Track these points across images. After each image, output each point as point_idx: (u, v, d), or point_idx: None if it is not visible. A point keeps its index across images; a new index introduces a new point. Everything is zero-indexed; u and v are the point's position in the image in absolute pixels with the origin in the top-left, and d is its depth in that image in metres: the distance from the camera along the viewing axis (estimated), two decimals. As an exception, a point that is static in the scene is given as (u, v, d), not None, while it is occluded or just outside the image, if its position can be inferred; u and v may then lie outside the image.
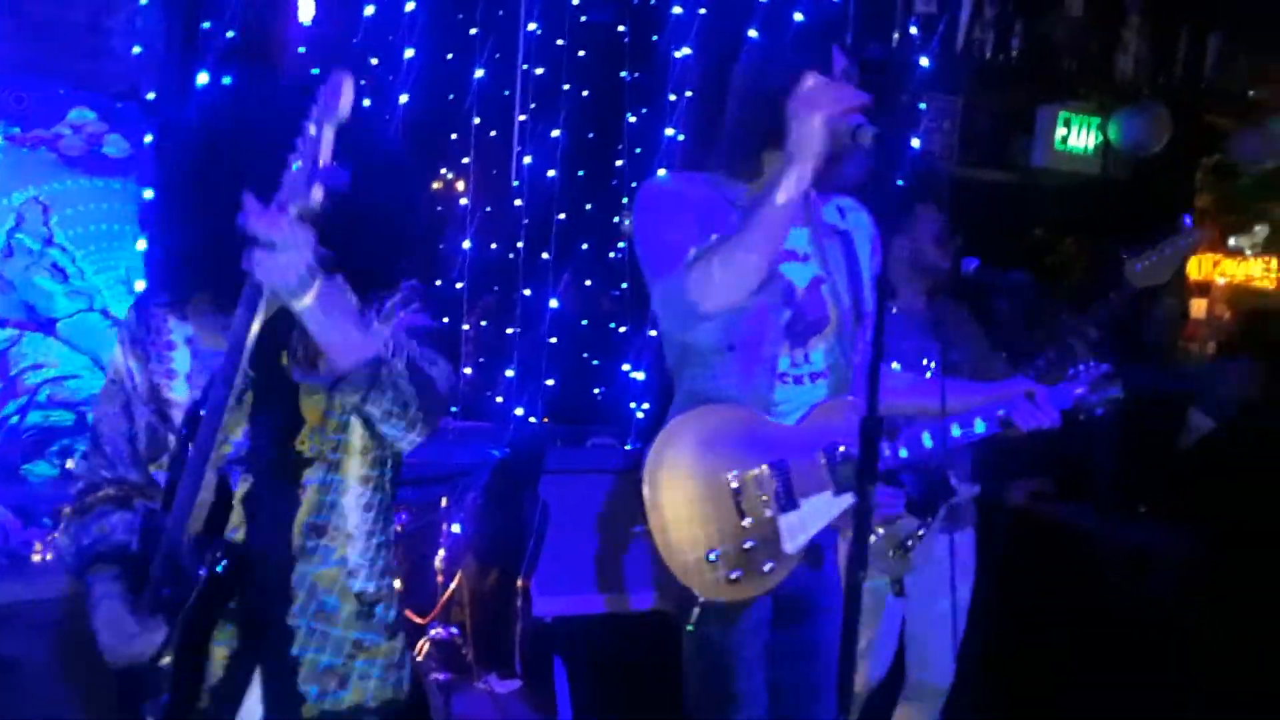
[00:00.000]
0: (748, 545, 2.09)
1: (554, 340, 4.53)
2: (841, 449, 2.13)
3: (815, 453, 2.14)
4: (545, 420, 4.42)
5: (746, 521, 2.09)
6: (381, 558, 1.90)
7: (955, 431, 2.28)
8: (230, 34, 3.91)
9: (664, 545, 2.06)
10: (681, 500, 2.07)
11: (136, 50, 3.87)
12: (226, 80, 3.93)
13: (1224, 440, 3.70)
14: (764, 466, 2.11)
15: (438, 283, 4.63)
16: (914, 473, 2.85)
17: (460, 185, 4.76)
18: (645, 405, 4.34)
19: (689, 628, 2.11)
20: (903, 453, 2.23)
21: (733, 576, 2.07)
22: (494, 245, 4.70)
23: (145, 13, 3.90)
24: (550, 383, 4.55)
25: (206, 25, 3.82)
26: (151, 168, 1.69)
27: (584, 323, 4.99)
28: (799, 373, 2.19)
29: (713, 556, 2.07)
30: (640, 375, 4.37)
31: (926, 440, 2.24)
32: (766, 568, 2.09)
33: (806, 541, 2.13)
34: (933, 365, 3.12)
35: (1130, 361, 2.71)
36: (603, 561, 4.11)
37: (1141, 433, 3.55)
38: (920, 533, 2.93)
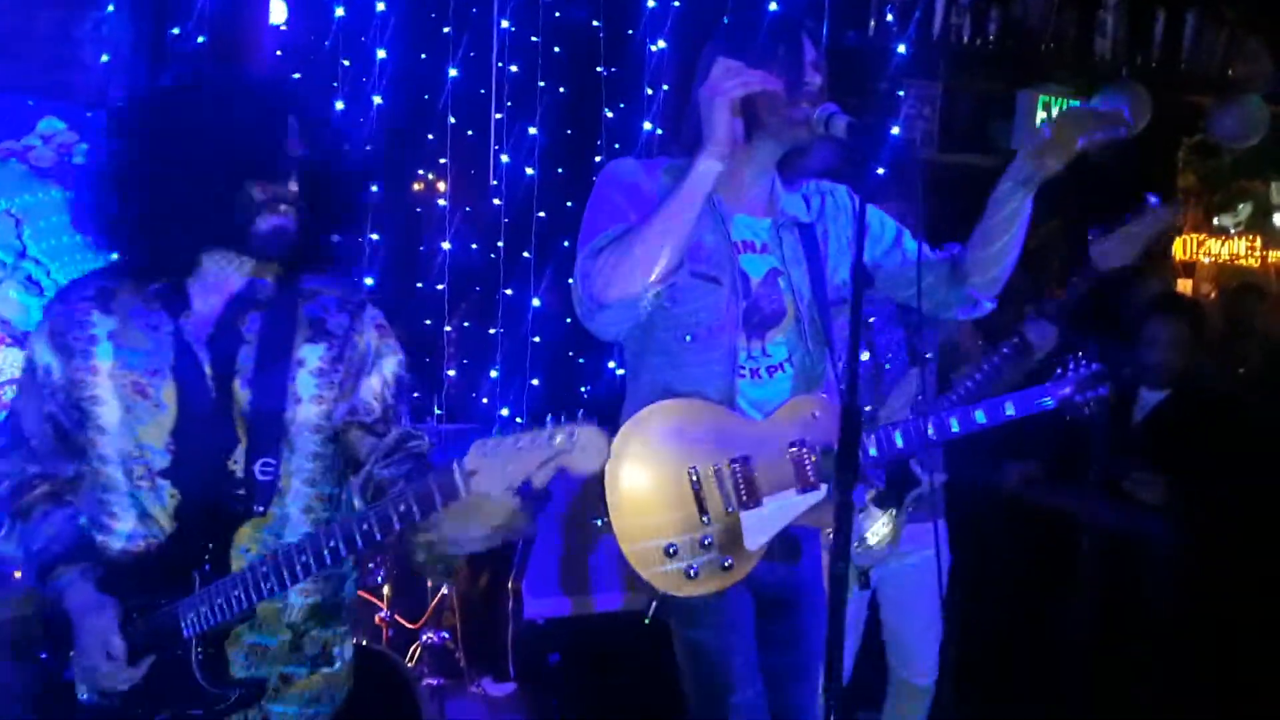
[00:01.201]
0: (707, 541, 2.06)
1: (537, 339, 4.50)
2: (806, 450, 2.10)
3: (781, 450, 2.12)
4: (520, 421, 4.38)
5: (707, 517, 2.07)
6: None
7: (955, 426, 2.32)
8: (200, 39, 3.87)
9: (624, 539, 2.04)
10: (642, 494, 2.05)
11: (105, 59, 3.83)
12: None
13: (1172, 410, 3.69)
14: (727, 462, 2.09)
15: (418, 285, 4.61)
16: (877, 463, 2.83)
17: (439, 185, 4.73)
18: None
19: (645, 621, 2.09)
20: (872, 451, 2.23)
21: (691, 572, 2.05)
22: (474, 245, 4.66)
23: (112, 20, 3.86)
24: (535, 382, 4.51)
25: (175, 31, 3.78)
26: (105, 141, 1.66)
27: (567, 320, 4.96)
28: (757, 365, 2.17)
29: (671, 550, 2.04)
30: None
31: (898, 439, 2.26)
32: (726, 563, 2.07)
33: (768, 539, 2.11)
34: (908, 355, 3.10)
35: (1112, 341, 2.70)
36: (594, 561, 4.09)
37: (1110, 413, 3.55)
38: (885, 525, 2.91)
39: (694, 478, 2.06)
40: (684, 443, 2.07)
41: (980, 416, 2.30)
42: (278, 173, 1.72)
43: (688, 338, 2.11)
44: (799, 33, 2.12)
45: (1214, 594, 3.63)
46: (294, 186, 1.74)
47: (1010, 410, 2.33)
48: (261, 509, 1.75)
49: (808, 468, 2.09)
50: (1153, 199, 2.49)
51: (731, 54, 2.06)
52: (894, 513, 2.91)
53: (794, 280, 2.20)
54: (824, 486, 2.12)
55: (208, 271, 1.79)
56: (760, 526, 2.09)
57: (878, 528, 2.91)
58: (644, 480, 2.05)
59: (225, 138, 1.68)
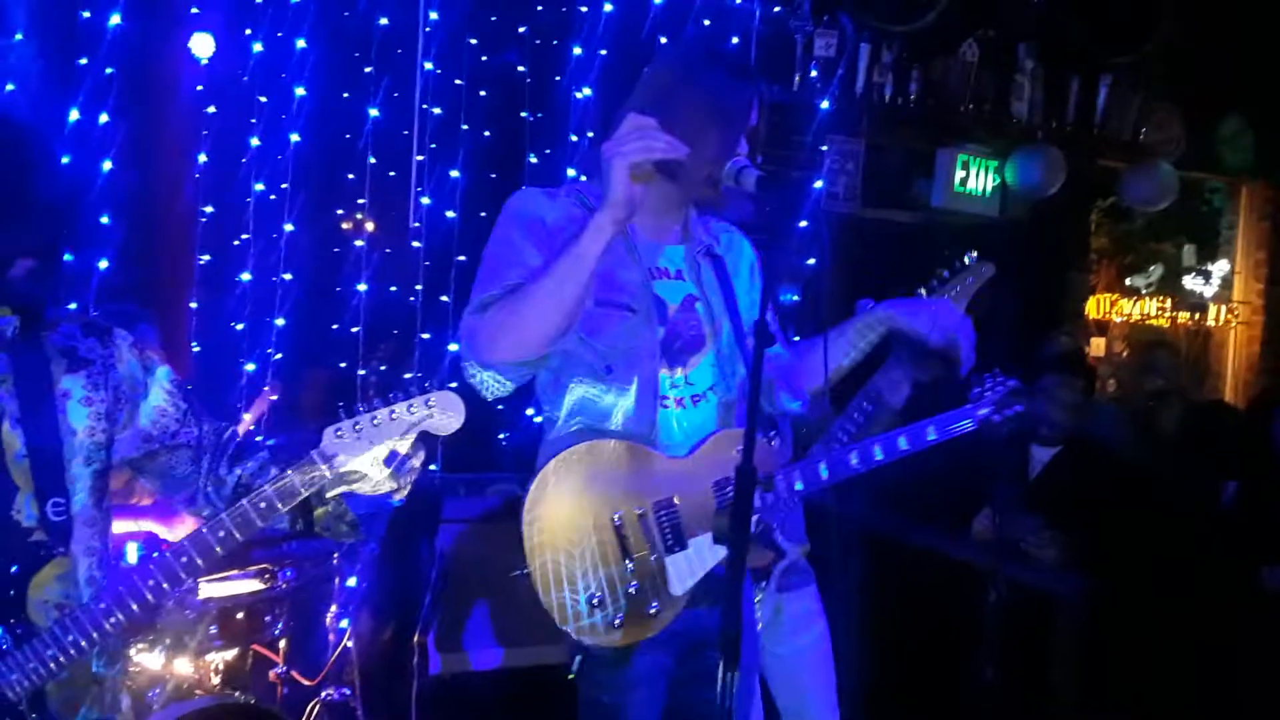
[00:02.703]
0: (632, 588, 1.99)
1: (454, 385, 4.41)
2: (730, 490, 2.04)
3: (704, 490, 2.06)
4: (434, 468, 4.29)
5: (630, 563, 1.99)
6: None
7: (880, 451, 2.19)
8: (108, 70, 3.78)
9: (545, 589, 1.96)
10: (564, 542, 1.97)
11: (10, 88, 3.73)
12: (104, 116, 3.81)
13: (1064, 468, 3.75)
14: (651, 505, 2.02)
15: (334, 326, 4.51)
16: None
17: (357, 226, 4.66)
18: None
19: (569, 676, 2.02)
20: (798, 486, 2.16)
21: (616, 621, 1.97)
22: (393, 288, 4.59)
23: (19, 49, 3.75)
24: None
25: (83, 61, 3.68)
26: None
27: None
28: (680, 394, 2.10)
29: (595, 600, 1.97)
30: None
31: (823, 471, 2.16)
32: (651, 610, 2.00)
33: (695, 583, 2.04)
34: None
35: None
36: (503, 614, 3.99)
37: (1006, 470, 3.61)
38: (756, 599, 2.85)
39: (618, 523, 1.99)
40: (607, 487, 2.00)
41: (903, 442, 2.19)
42: (28, 221, 1.68)
43: (607, 368, 2.03)
44: (752, 96, 2.06)
45: (1115, 648, 3.67)
46: (40, 230, 1.70)
47: (932, 435, 2.23)
48: (63, 550, 1.69)
49: None
50: (972, 254, 2.54)
51: (676, 93, 1.99)
52: (764, 586, 2.84)
53: (713, 307, 2.16)
54: (750, 525, 2.03)
55: None
56: (687, 569, 2.04)
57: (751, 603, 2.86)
58: (566, 528, 1.97)
59: None
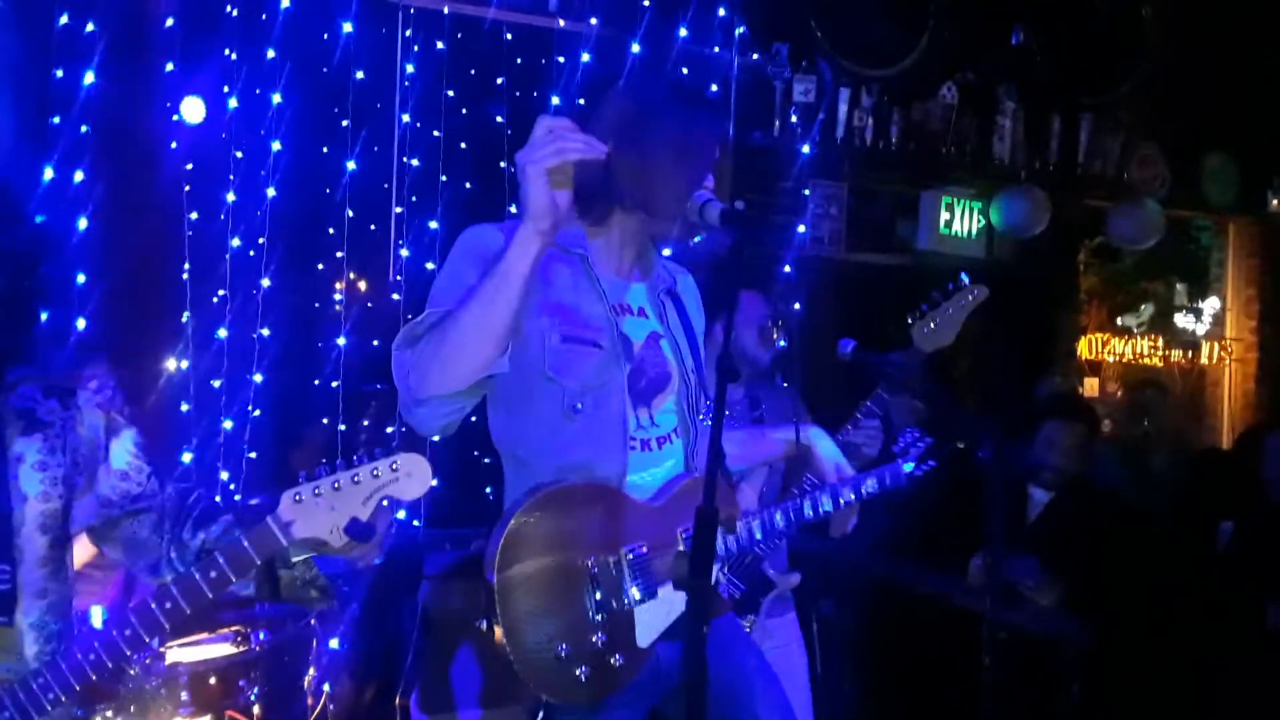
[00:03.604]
0: (599, 640, 1.91)
1: (437, 439, 4.34)
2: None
3: (673, 536, 1.99)
4: (417, 524, 4.21)
5: (600, 614, 1.92)
6: None
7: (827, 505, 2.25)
8: (84, 128, 3.77)
9: (511, 643, 1.86)
10: (533, 592, 1.88)
11: (-17, 146, 3.71)
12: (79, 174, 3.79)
13: (1061, 512, 3.70)
14: (623, 552, 1.94)
15: (315, 381, 4.46)
16: (733, 569, 2.77)
17: (350, 286, 4.63)
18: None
19: None
20: (757, 534, 2.16)
21: (582, 675, 1.89)
22: (375, 342, 4.54)
23: (-7, 106, 3.75)
24: (434, 483, 4.34)
25: (56, 120, 3.67)
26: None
27: (472, 419, 4.82)
28: (647, 436, 2.04)
29: (562, 653, 1.88)
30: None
31: (779, 519, 2.20)
32: (616, 662, 1.92)
33: (660, 633, 1.97)
34: None
35: (991, 440, 2.69)
36: (488, 672, 3.88)
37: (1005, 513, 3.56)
38: (747, 628, 2.82)
39: (592, 571, 1.91)
40: (578, 533, 1.92)
41: (848, 494, 2.26)
42: None
43: (577, 406, 1.95)
44: (716, 131, 2.08)
45: (1115, 693, 3.58)
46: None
47: (870, 487, 2.30)
48: (5, 620, 1.62)
49: None
50: (964, 276, 2.55)
51: (643, 126, 1.96)
52: (753, 619, 2.84)
53: (678, 345, 2.11)
54: (714, 571, 1.96)
55: None
56: (653, 620, 1.97)
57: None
58: (536, 577, 1.89)
59: None
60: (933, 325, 2.59)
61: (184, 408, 4.03)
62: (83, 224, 3.79)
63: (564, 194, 1.78)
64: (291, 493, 1.61)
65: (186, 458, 3.89)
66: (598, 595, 1.92)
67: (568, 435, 1.96)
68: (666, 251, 2.37)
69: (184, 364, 4.01)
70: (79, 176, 3.78)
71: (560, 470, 1.95)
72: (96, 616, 2.78)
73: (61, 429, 1.70)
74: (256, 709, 3.26)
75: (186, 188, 4.07)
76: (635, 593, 1.94)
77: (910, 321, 2.59)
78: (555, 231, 1.81)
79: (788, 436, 2.33)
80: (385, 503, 1.67)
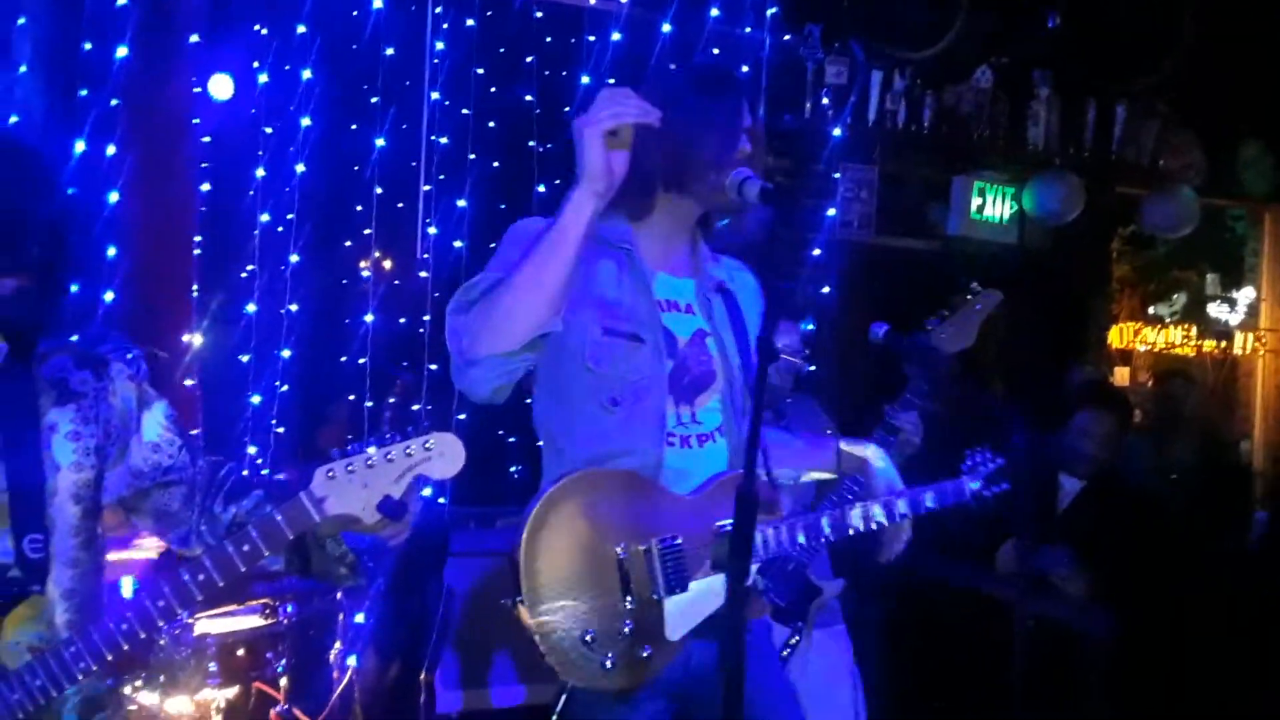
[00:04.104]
0: (627, 628, 1.89)
1: (463, 416, 4.35)
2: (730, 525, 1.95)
3: (709, 531, 1.96)
4: (443, 501, 4.21)
5: (629, 602, 1.89)
6: None
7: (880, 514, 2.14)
8: (114, 102, 3.76)
9: (537, 623, 1.85)
10: (562, 574, 1.86)
11: (14, 120, 3.71)
12: (111, 149, 3.80)
13: (1092, 500, 3.66)
14: (654, 542, 1.92)
15: (341, 358, 4.46)
16: (775, 577, 2.72)
17: (375, 265, 4.62)
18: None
19: (553, 717, 1.92)
20: (800, 539, 2.07)
21: (608, 663, 1.87)
22: (402, 320, 4.54)
23: (23, 82, 3.74)
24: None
25: (84, 93, 3.67)
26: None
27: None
28: (687, 433, 2.02)
29: (589, 638, 1.86)
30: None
31: (825, 527, 2.09)
32: (644, 653, 1.90)
33: (690, 628, 1.94)
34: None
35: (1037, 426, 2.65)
36: (513, 650, 3.89)
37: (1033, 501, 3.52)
38: (794, 640, 2.78)
39: (621, 557, 1.89)
40: (611, 519, 1.90)
41: (902, 506, 2.16)
42: (14, 239, 1.61)
43: (613, 400, 1.95)
44: (733, 91, 2.03)
45: (1141, 683, 3.55)
46: (32, 251, 1.63)
47: (930, 503, 2.22)
48: (38, 589, 1.61)
49: None
50: (975, 285, 2.53)
51: (662, 104, 1.95)
52: (800, 627, 2.79)
53: (724, 344, 2.08)
54: (751, 571, 1.93)
55: None
56: (684, 614, 1.94)
57: (789, 646, 2.79)
58: (565, 558, 1.87)
59: None
60: (952, 328, 2.56)
61: (211, 383, 4.05)
62: (113, 197, 3.80)
63: (620, 156, 1.83)
64: (325, 468, 1.60)
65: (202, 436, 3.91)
66: (630, 581, 1.90)
67: (605, 426, 1.95)
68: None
69: (210, 339, 4.02)
70: (110, 150, 3.78)
71: (595, 460, 1.95)
72: (126, 587, 2.79)
73: (94, 399, 1.70)
74: (283, 681, 3.27)
75: (205, 164, 4.07)
76: (668, 583, 1.92)
77: (929, 328, 2.56)
78: (609, 194, 1.85)
79: (841, 447, 2.26)
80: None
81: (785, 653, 2.78)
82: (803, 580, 2.80)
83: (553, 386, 2.00)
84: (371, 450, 1.60)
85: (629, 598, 1.89)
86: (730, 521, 1.85)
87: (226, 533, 1.73)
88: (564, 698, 1.91)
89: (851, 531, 2.11)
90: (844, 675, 2.90)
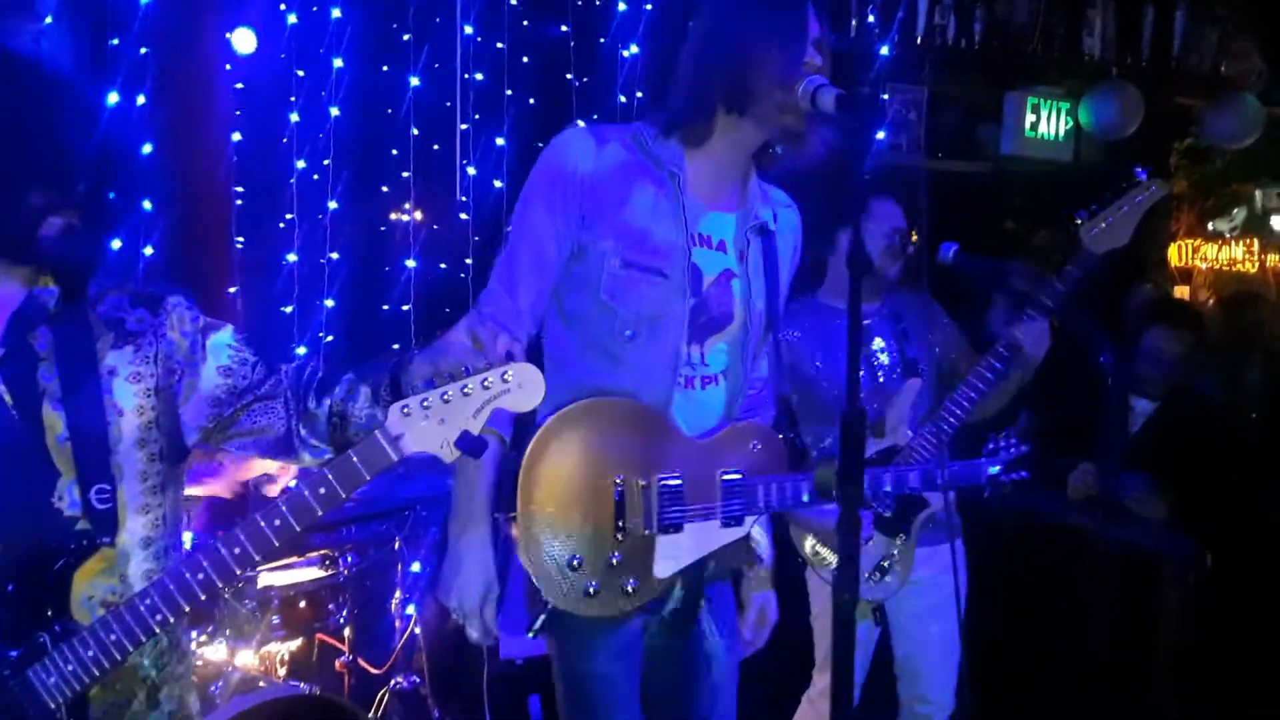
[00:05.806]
0: (615, 559, 1.87)
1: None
2: (735, 475, 1.92)
3: (713, 476, 1.93)
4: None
5: (622, 534, 1.87)
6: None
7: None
8: (143, 50, 3.67)
9: (527, 539, 1.84)
10: (558, 496, 1.85)
11: (43, 72, 3.63)
12: (141, 99, 3.71)
13: (1167, 423, 3.54)
14: (654, 477, 1.89)
15: (384, 306, 4.38)
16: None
17: (403, 202, 4.52)
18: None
19: (529, 634, 1.92)
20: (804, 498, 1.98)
21: (590, 589, 1.85)
22: (443, 264, 4.44)
23: (50, 33, 3.65)
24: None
25: (115, 42, 3.57)
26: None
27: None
28: (693, 374, 1.97)
29: (575, 562, 1.85)
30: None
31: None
32: (629, 587, 1.88)
33: (678, 569, 1.92)
34: (902, 368, 2.90)
35: (1111, 346, 2.53)
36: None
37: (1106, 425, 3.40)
38: (896, 553, 2.69)
39: (619, 487, 1.86)
40: (614, 448, 1.87)
41: (914, 479, 2.08)
42: (62, 174, 1.53)
43: (628, 334, 1.90)
44: (804, 2, 1.90)
45: (1225, 608, 3.46)
46: (79, 187, 1.54)
47: (941, 480, 2.15)
48: (108, 540, 1.55)
49: None
50: (1140, 171, 2.32)
51: (726, 20, 1.87)
52: (903, 538, 2.69)
53: (751, 287, 2.01)
54: (748, 523, 1.96)
55: None
56: (674, 554, 1.92)
57: (891, 558, 2.69)
58: (563, 481, 1.85)
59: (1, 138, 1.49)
60: (1104, 225, 2.38)
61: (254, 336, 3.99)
62: (147, 149, 3.72)
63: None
64: (399, 405, 1.52)
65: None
66: (624, 512, 1.87)
67: (617, 360, 1.92)
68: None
69: (251, 291, 3.95)
70: (140, 100, 3.69)
71: (602, 392, 1.91)
72: (187, 541, 2.75)
73: (153, 337, 1.63)
74: (347, 632, 3.26)
75: (238, 112, 3.97)
76: (661, 521, 1.89)
77: (1079, 222, 2.39)
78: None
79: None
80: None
81: (886, 566, 2.69)
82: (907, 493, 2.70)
83: (568, 313, 1.96)
84: (448, 385, 1.51)
85: (620, 530, 1.87)
86: (734, 473, 1.92)
87: (328, 426, 1.67)
88: (542, 618, 1.90)
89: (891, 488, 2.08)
90: (947, 597, 2.81)
